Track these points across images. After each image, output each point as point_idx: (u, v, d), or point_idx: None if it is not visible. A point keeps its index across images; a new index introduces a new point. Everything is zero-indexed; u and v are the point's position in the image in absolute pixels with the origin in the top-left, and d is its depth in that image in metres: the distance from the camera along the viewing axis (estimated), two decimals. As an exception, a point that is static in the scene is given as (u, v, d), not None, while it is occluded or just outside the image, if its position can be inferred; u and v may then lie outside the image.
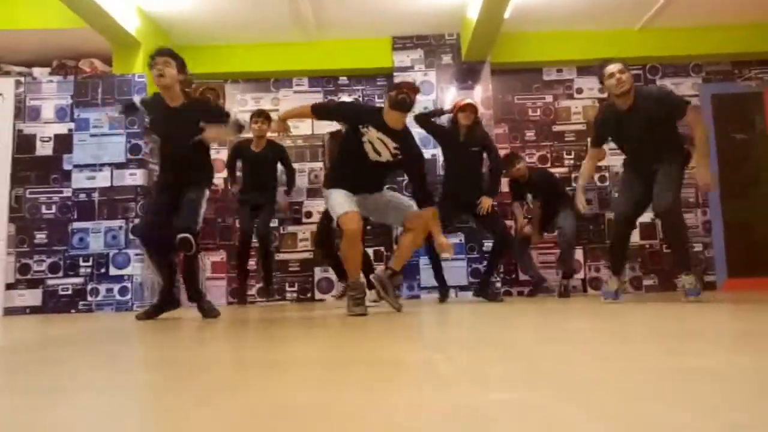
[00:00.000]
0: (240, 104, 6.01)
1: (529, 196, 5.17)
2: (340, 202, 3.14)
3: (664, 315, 2.44)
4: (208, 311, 3.28)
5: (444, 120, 4.86)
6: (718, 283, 5.59)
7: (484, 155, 4.52)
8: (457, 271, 5.19)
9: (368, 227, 4.00)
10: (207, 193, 3.35)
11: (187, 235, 3.07)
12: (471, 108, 4.29)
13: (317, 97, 5.97)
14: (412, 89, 3.22)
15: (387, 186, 3.61)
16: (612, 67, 3.42)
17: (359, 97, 5.96)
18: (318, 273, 5.58)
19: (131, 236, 4.63)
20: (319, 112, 3.46)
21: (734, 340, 1.51)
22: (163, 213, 3.23)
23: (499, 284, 5.21)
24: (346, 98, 5.96)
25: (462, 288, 5.31)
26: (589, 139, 3.80)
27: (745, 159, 5.74)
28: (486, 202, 4.30)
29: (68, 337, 2.32)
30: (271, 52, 5.90)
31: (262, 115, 4.89)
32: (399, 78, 5.69)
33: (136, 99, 3.55)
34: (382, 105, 3.38)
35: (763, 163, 5.74)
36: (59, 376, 1.23)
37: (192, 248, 3.11)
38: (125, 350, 1.81)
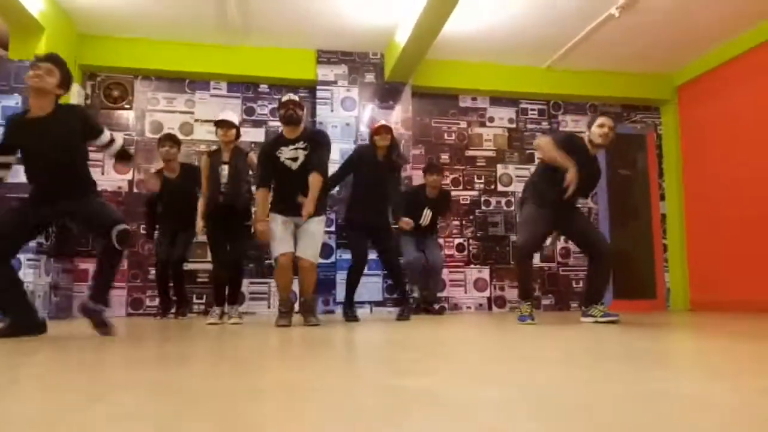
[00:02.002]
0: (151, 103, 5.69)
1: (428, 212, 5.18)
2: (278, 242, 3.64)
3: (579, 335, 2.66)
4: (103, 324, 2.84)
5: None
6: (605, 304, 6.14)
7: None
8: (372, 287, 5.26)
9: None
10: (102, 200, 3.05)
11: (125, 226, 2.81)
12: (386, 129, 4.30)
13: (235, 103, 5.82)
14: (297, 105, 3.71)
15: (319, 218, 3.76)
16: (607, 120, 3.65)
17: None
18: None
19: None
20: (266, 181, 3.77)
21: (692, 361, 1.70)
22: (18, 225, 2.84)
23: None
24: (265, 106, 5.86)
25: (377, 304, 5.39)
26: (551, 139, 3.66)
27: (629, 193, 6.40)
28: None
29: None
30: (189, 51, 5.66)
31: (170, 140, 4.64)
32: (322, 91, 5.75)
33: None
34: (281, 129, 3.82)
35: (643, 198, 6.43)
36: None
37: (129, 241, 2.91)
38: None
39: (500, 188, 6.20)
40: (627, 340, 2.43)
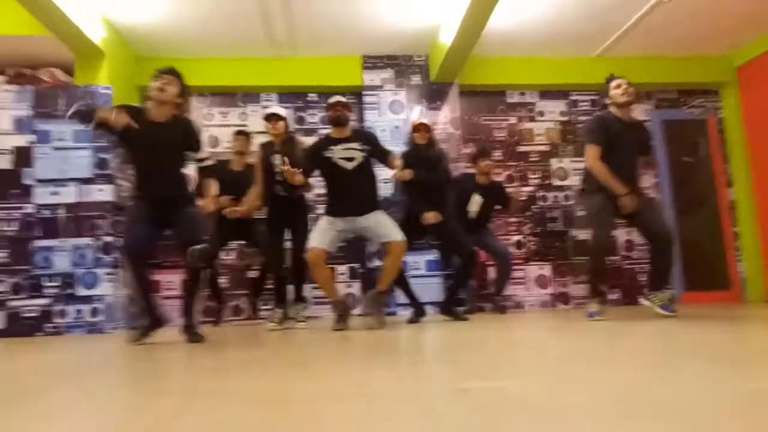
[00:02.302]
0: (206, 118, 5.89)
1: (477, 198, 4.91)
2: (315, 235, 3.65)
3: (663, 333, 2.59)
4: (194, 336, 3.10)
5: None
6: (676, 297, 5.94)
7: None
8: (431, 288, 5.27)
9: (330, 252, 3.89)
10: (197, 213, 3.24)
11: (205, 245, 3.03)
12: (425, 127, 4.28)
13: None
14: (345, 106, 3.76)
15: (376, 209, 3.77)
16: (620, 80, 3.67)
17: (329, 114, 5.97)
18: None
19: (112, 254, 4.44)
20: (305, 172, 3.68)
21: None
22: (146, 230, 3.10)
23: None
24: (315, 115, 5.98)
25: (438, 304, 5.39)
26: (589, 143, 3.62)
27: (693, 181, 6.15)
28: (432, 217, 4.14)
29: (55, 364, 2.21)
30: (239, 67, 5.83)
31: (243, 134, 4.75)
32: (369, 96, 5.81)
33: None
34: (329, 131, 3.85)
35: (709, 185, 6.17)
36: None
37: (210, 260, 3.15)
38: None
39: (556, 183, 6.09)
40: (706, 335, 2.35)
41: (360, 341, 2.72)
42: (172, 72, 3.19)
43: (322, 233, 3.64)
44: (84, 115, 3.00)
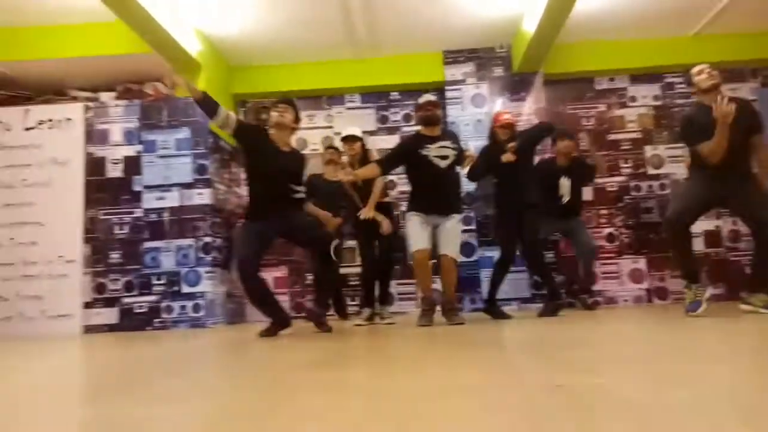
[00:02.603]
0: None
1: (565, 183, 4.71)
2: (415, 237, 3.71)
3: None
4: (322, 324, 3.46)
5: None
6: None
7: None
8: (518, 284, 5.18)
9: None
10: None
11: (338, 241, 3.39)
12: (509, 125, 4.17)
13: (370, 113, 6.06)
14: (435, 105, 3.79)
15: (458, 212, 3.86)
16: (701, 66, 3.43)
17: (411, 111, 6.01)
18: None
19: (211, 254, 4.77)
20: (386, 166, 3.83)
21: None
22: (260, 246, 3.42)
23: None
24: (397, 113, 6.04)
25: (524, 300, 5.30)
26: (689, 147, 3.40)
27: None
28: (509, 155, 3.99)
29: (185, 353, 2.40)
30: (323, 70, 6.01)
31: (333, 148, 4.95)
32: (451, 91, 5.78)
33: (231, 115, 3.53)
34: (418, 129, 3.88)
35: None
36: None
37: (331, 262, 3.43)
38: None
39: (651, 171, 5.78)
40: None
41: (447, 336, 2.74)
42: (286, 101, 3.63)
43: (421, 233, 3.71)
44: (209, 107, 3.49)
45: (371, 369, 1.75)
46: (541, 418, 0.96)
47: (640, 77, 5.93)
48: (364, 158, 4.32)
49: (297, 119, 3.64)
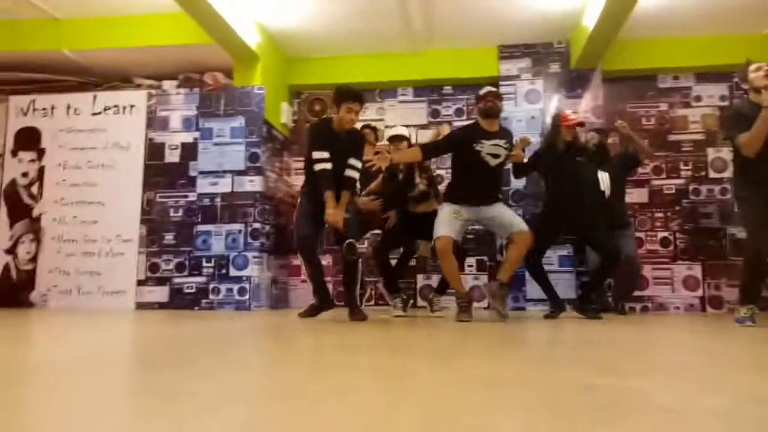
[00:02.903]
0: (346, 113, 6.17)
1: (604, 176, 4.55)
2: (442, 224, 3.62)
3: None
4: (357, 314, 3.57)
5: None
6: None
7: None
8: (564, 284, 5.06)
9: (460, 243, 3.91)
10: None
11: (351, 240, 3.48)
12: (579, 124, 4.12)
13: (421, 107, 6.04)
14: (496, 96, 3.72)
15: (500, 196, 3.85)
16: (760, 63, 3.38)
17: (463, 106, 5.96)
18: (420, 280, 5.62)
19: (259, 240, 4.90)
20: (429, 152, 3.81)
21: None
22: (313, 228, 3.64)
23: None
24: (449, 107, 6.00)
25: (569, 301, 5.17)
26: (731, 137, 3.34)
27: None
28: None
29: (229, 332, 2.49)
30: (377, 63, 6.03)
31: (370, 127, 4.79)
32: (505, 87, 5.69)
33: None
34: (475, 119, 3.84)
35: None
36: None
37: (354, 253, 3.51)
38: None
39: (712, 174, 5.51)
40: None
41: (483, 332, 2.72)
42: (363, 100, 3.72)
43: (450, 222, 3.64)
44: None
45: (400, 356, 1.76)
46: (562, 417, 0.95)
47: (706, 76, 5.65)
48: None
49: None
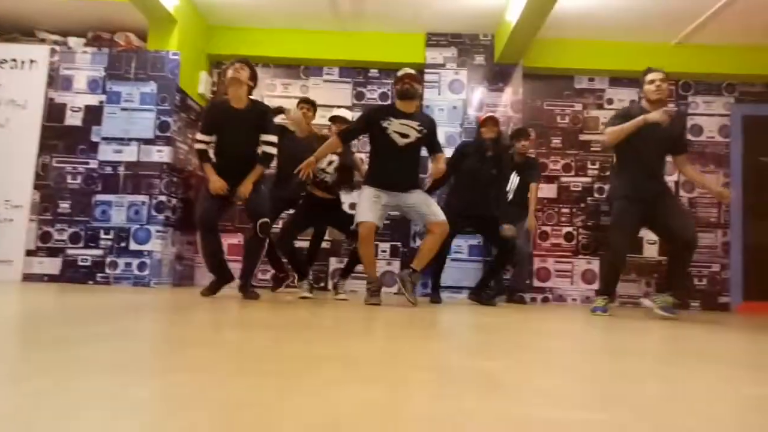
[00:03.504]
0: (268, 89, 6.00)
1: (514, 178, 4.87)
2: (365, 209, 3.59)
3: (673, 334, 2.43)
4: (248, 293, 3.59)
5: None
6: (732, 305, 5.56)
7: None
8: (475, 273, 5.17)
9: (379, 229, 3.90)
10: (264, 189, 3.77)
11: (266, 219, 3.54)
12: (492, 121, 4.26)
13: (346, 88, 5.97)
14: (414, 79, 3.67)
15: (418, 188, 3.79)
16: (654, 75, 3.67)
17: (388, 90, 5.94)
18: (333, 263, 5.59)
19: (164, 213, 4.67)
20: (346, 137, 3.76)
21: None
22: (217, 204, 3.59)
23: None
24: (374, 90, 5.96)
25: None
26: (608, 125, 3.79)
27: (768, 182, 5.70)
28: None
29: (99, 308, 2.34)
30: (304, 39, 5.88)
31: (308, 102, 4.64)
32: (429, 75, 5.71)
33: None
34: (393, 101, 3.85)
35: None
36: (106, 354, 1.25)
37: (267, 231, 3.57)
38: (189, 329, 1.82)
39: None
40: (723, 339, 2.19)
41: (377, 315, 2.72)
42: (242, 60, 3.70)
43: (372, 207, 3.58)
44: None
45: (270, 332, 1.71)
46: (399, 389, 0.93)
47: (620, 80, 5.92)
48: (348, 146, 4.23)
49: (254, 78, 3.70)
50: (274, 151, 3.71)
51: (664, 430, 0.75)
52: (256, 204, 3.60)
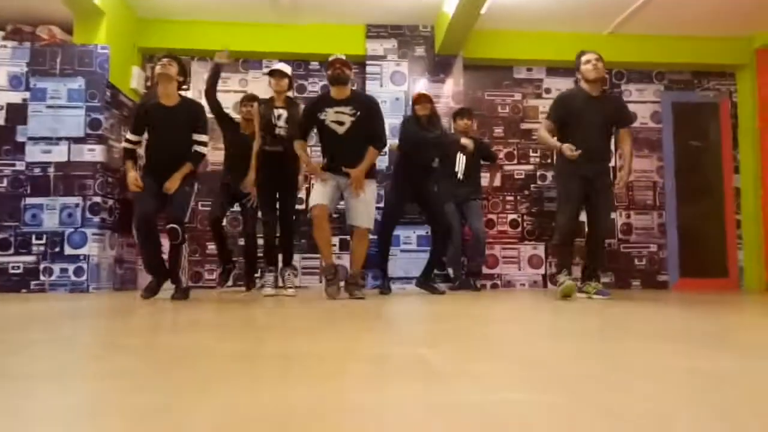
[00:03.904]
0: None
1: (461, 157, 4.87)
2: (315, 194, 3.69)
3: (628, 313, 2.52)
4: (179, 293, 3.54)
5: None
6: (670, 282, 5.82)
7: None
8: (422, 263, 5.19)
9: (331, 213, 3.90)
10: (196, 187, 3.66)
11: (175, 225, 3.43)
12: (425, 98, 4.29)
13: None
14: (345, 64, 3.73)
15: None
16: (590, 55, 3.76)
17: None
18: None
19: (100, 215, 4.48)
20: (302, 135, 3.84)
21: (711, 340, 1.57)
22: (153, 204, 3.48)
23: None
24: (316, 83, 5.89)
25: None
26: (545, 118, 3.88)
27: (699, 166, 5.98)
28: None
29: (31, 316, 2.21)
30: (241, 31, 5.74)
31: (251, 100, 4.50)
32: (371, 66, 5.69)
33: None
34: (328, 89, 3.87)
35: (714, 171, 5.99)
36: (32, 361, 1.17)
37: (179, 238, 3.45)
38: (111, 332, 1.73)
39: (557, 162, 5.96)
40: (660, 316, 2.28)
41: (333, 310, 2.69)
42: (170, 55, 3.63)
43: (322, 190, 3.67)
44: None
45: (200, 333, 1.66)
46: (342, 381, 0.91)
47: (556, 70, 6.06)
48: (289, 99, 4.16)
49: (183, 73, 3.65)
50: (204, 151, 3.68)
51: (600, 408, 0.76)
52: (175, 205, 3.50)
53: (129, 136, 3.63)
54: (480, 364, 1.13)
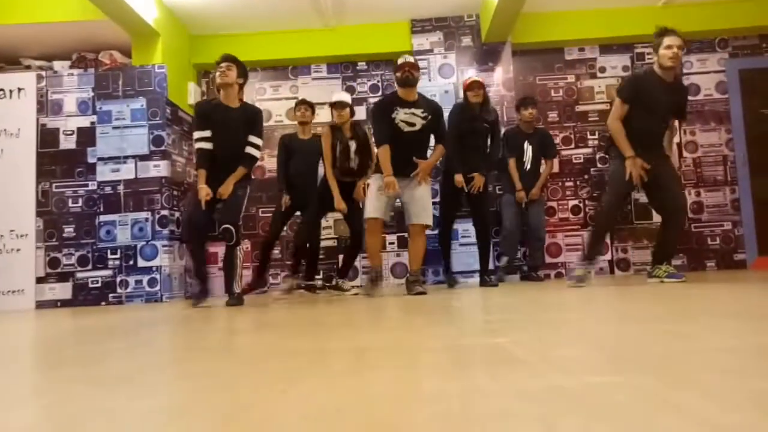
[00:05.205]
0: (258, 93, 5.97)
1: (529, 150, 4.94)
2: (369, 207, 3.73)
3: (705, 295, 2.39)
4: (234, 299, 3.51)
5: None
6: (748, 261, 5.50)
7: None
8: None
9: (389, 220, 4.04)
10: (248, 190, 3.69)
11: (229, 226, 3.44)
12: (478, 85, 4.29)
13: (336, 84, 5.92)
14: (413, 66, 3.73)
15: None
16: (673, 40, 3.43)
17: (378, 82, 5.90)
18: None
19: (168, 227, 4.66)
20: (382, 140, 3.75)
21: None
22: (205, 210, 3.50)
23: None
24: (364, 84, 5.92)
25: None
26: (619, 97, 3.60)
27: (772, 135, 5.62)
28: (479, 180, 4.22)
29: (106, 328, 2.33)
30: (288, 39, 5.85)
31: (305, 103, 4.64)
32: (418, 61, 5.65)
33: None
34: (395, 89, 3.88)
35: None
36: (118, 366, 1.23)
37: (233, 239, 3.45)
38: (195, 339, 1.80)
39: (617, 143, 5.73)
40: (738, 294, 2.15)
41: (396, 306, 2.70)
42: (228, 58, 3.60)
43: (377, 203, 3.70)
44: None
45: (269, 334, 1.69)
46: (417, 371, 0.91)
47: (609, 47, 5.84)
48: (354, 124, 4.31)
49: (243, 74, 3.66)
50: (257, 154, 3.71)
51: (678, 386, 0.73)
52: (227, 208, 3.52)
53: (199, 134, 3.57)
54: (562, 350, 1.10)
